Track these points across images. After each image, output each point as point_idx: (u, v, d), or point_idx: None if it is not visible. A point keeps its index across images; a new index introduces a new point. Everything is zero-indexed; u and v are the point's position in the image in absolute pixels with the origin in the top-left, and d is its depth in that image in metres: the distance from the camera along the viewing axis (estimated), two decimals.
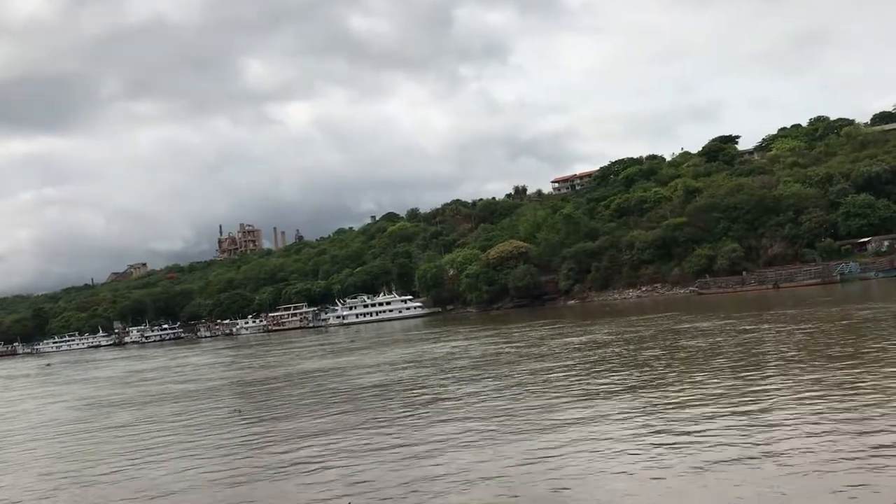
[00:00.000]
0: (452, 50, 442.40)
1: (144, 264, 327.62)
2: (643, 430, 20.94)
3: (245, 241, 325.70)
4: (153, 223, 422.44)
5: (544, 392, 29.90)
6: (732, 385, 26.57)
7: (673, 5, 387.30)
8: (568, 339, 53.45)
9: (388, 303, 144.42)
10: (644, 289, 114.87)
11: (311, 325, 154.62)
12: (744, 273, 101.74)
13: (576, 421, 23.20)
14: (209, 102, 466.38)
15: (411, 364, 48.36)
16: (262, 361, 69.28)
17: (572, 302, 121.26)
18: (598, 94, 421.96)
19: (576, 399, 27.39)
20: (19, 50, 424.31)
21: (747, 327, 47.06)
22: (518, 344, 54.77)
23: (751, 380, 27.20)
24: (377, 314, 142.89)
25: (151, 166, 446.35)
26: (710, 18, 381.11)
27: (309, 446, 23.91)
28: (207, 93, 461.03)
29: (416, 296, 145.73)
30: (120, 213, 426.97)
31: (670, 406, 24.07)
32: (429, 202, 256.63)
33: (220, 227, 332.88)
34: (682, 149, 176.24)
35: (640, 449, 18.92)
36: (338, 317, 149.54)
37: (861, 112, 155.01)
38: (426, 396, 32.43)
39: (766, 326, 46.26)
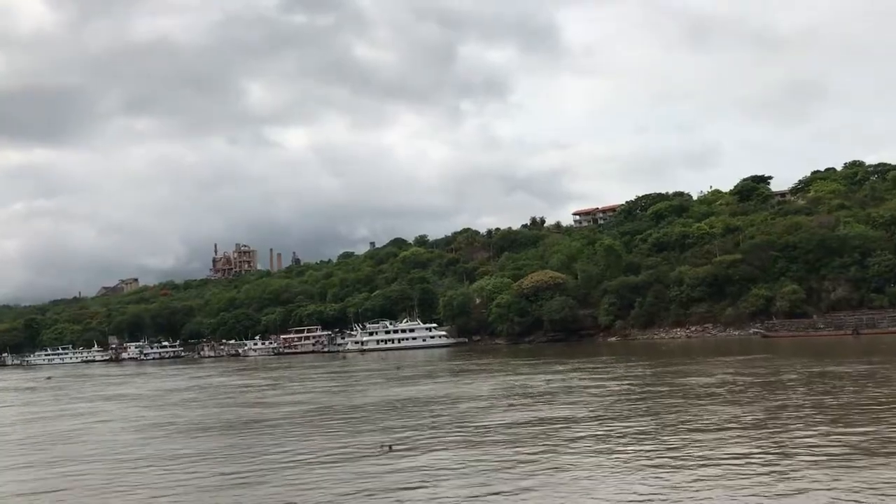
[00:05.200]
0: (454, 85, 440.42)
1: (136, 279, 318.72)
2: None
3: (241, 261, 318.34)
4: (145, 239, 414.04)
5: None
6: None
7: (672, 50, 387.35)
8: (688, 379, 46.56)
9: (411, 330, 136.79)
10: (693, 329, 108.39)
11: (325, 349, 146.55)
12: (814, 316, 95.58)
13: None
14: (208, 122, 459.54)
15: (533, 397, 41.33)
16: (315, 385, 61.99)
17: (613, 339, 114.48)
18: (595, 134, 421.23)
19: None
20: (23, 62, 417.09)
21: None
22: (626, 382, 47.91)
23: None
24: (399, 341, 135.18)
25: (145, 182, 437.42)
26: (708, 63, 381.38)
27: None
28: (206, 112, 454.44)
29: (438, 324, 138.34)
30: (112, 227, 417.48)
31: None
32: (422, 231, 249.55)
33: (216, 246, 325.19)
34: (711, 187, 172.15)
35: None
36: (356, 342, 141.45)
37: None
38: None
39: None
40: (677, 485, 19.03)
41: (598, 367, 61.57)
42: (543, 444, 25.94)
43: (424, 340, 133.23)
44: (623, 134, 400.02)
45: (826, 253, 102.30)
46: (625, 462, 22.13)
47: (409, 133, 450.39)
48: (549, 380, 52.71)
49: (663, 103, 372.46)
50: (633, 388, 43.36)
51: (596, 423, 30.46)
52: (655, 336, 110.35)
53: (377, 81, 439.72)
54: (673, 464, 21.39)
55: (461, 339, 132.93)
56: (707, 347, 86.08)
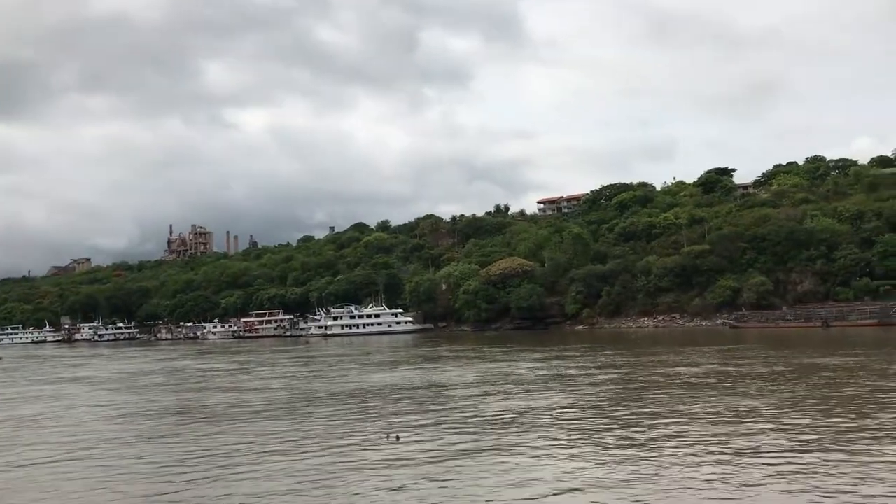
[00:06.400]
0: (416, 71, 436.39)
1: (88, 259, 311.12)
2: None
3: (196, 242, 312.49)
4: (97, 219, 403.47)
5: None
6: None
7: (634, 45, 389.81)
8: (677, 369, 45.90)
9: (377, 315, 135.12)
10: (661, 318, 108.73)
11: (287, 333, 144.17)
12: (784, 308, 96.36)
13: None
14: (164, 101, 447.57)
15: (524, 384, 40.15)
16: (287, 371, 60.17)
17: (580, 327, 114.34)
18: (557, 124, 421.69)
19: None
20: None
21: None
22: (614, 371, 47.10)
23: None
24: (364, 327, 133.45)
25: (99, 161, 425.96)
26: (670, 59, 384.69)
27: None
28: (163, 92, 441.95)
29: (404, 310, 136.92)
30: (63, 206, 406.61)
31: None
32: (381, 217, 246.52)
33: (171, 227, 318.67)
34: (675, 178, 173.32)
35: None
36: (320, 327, 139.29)
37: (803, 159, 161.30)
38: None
39: None
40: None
41: (576, 356, 60.88)
42: (568, 439, 24.82)
43: (390, 326, 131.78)
44: (585, 125, 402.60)
45: (794, 245, 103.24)
46: (658, 462, 21.10)
47: (369, 118, 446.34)
48: (533, 367, 51.77)
49: (625, 97, 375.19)
50: (624, 377, 42.54)
51: (602, 415, 29.45)
52: (623, 325, 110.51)
53: (338, 65, 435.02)
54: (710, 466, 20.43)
55: (427, 326, 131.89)
56: (676, 337, 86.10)
